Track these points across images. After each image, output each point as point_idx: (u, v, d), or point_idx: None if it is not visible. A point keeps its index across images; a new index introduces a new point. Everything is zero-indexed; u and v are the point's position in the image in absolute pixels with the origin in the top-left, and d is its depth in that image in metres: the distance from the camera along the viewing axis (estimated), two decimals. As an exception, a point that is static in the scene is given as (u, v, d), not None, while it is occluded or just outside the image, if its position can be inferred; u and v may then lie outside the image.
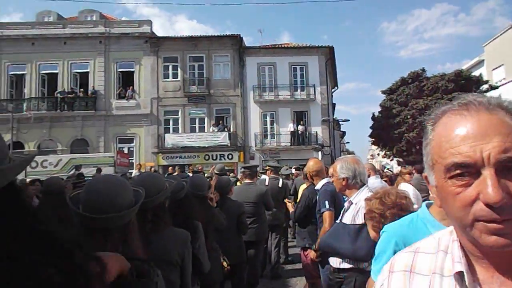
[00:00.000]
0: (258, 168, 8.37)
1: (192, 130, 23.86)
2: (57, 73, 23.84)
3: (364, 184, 2.98)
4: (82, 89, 23.78)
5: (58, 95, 23.34)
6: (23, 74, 23.94)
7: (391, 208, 1.82)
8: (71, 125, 23.08)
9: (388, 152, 35.57)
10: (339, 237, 2.86)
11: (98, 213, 1.38)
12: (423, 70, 33.21)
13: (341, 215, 2.98)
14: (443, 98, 29.74)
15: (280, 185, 6.77)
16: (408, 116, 30.38)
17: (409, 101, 31.12)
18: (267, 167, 7.59)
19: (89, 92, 23.60)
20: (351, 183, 2.95)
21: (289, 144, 23.46)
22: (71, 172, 12.99)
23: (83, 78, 24.05)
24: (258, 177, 7.88)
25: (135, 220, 1.52)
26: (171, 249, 2.04)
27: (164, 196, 2.06)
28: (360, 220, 2.79)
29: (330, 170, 3.20)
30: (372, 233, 1.94)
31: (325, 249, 3.10)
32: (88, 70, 23.90)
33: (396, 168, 23.07)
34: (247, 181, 5.49)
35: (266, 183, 6.67)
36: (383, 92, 34.87)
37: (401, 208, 1.82)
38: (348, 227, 2.81)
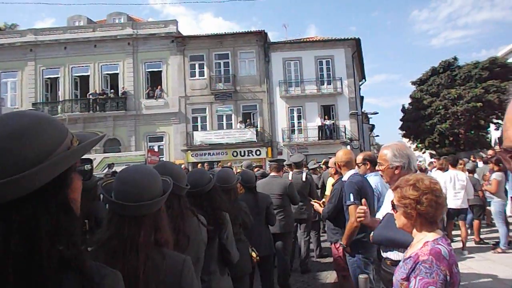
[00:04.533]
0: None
1: (220, 127, 24.08)
2: (88, 75, 24.64)
3: (416, 171, 2.78)
4: (112, 90, 24.50)
5: (90, 96, 24.14)
6: (57, 77, 24.89)
7: (427, 194, 1.79)
8: (103, 125, 23.80)
9: (419, 145, 34.68)
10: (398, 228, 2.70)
11: (131, 201, 1.43)
12: (455, 58, 32.15)
13: (390, 204, 2.83)
14: (477, 87, 28.68)
15: (303, 179, 6.71)
16: (440, 107, 29.50)
17: (440, 91, 30.23)
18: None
19: (120, 93, 24.26)
20: (404, 172, 2.69)
21: (317, 138, 23.27)
22: (105, 171, 13.42)
23: (113, 79, 24.76)
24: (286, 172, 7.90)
25: (164, 209, 1.58)
26: (202, 230, 2.19)
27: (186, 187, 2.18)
28: None
29: (378, 159, 2.94)
30: (402, 221, 1.90)
31: (384, 243, 2.82)
32: (117, 72, 24.57)
33: (429, 161, 22.43)
34: (273, 174, 5.61)
35: (290, 178, 6.65)
36: (413, 83, 34.03)
37: (436, 193, 1.79)
38: None
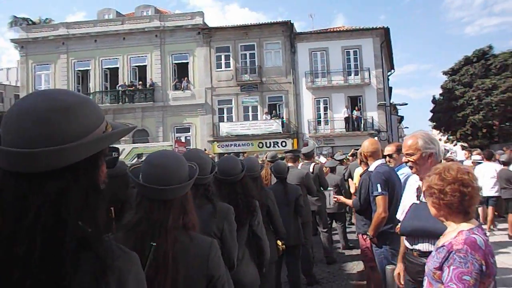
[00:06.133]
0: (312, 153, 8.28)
1: (246, 118, 24.15)
2: (117, 68, 25.20)
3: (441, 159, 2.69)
4: (140, 82, 24.96)
5: (120, 88, 24.72)
6: (87, 69, 25.60)
7: (452, 184, 1.72)
8: (132, 116, 24.34)
9: (450, 137, 33.64)
10: (431, 217, 2.35)
11: (160, 185, 1.45)
12: (490, 47, 30.88)
13: (415, 194, 2.72)
14: (514, 77, 27.44)
15: (311, 170, 6.43)
16: (473, 98, 28.46)
17: (474, 81, 29.15)
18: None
19: (147, 85, 24.70)
20: (435, 158, 2.60)
21: (344, 130, 22.96)
22: (134, 160, 13.73)
23: (142, 71, 25.22)
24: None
25: (191, 193, 1.59)
26: (210, 222, 2.09)
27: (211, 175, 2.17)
28: None
29: (405, 150, 2.73)
30: (432, 210, 1.85)
31: (414, 233, 2.67)
32: (145, 64, 25.00)
33: (460, 153, 21.70)
34: (290, 164, 5.70)
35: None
36: (445, 73, 32.98)
37: (463, 183, 1.72)
38: None
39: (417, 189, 2.70)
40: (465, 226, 1.72)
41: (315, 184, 6.44)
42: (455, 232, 1.72)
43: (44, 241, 0.77)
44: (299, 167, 6.62)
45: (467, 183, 1.72)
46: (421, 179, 2.66)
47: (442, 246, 1.72)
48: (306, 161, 6.75)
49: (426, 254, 2.46)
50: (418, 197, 2.67)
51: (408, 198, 2.83)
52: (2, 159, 0.79)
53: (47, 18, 35.38)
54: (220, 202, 2.23)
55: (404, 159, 2.77)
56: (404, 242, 2.69)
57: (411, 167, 2.70)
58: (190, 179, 1.56)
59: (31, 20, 33.25)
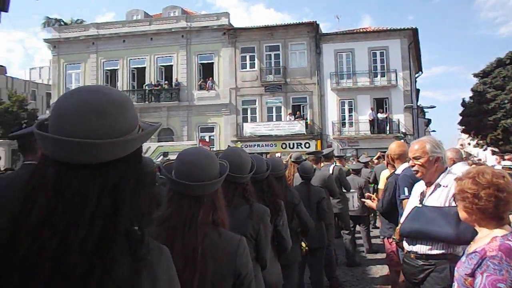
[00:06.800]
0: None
1: (269, 119, 24.15)
2: (144, 67, 25.70)
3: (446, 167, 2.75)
4: (166, 82, 25.36)
5: (146, 87, 25.20)
6: (116, 69, 26.21)
7: (486, 188, 1.67)
8: (158, 115, 24.74)
9: (480, 141, 32.58)
10: (431, 221, 2.54)
11: (192, 181, 1.49)
12: (525, 49, 29.63)
13: (418, 198, 2.74)
14: (549, 80, 26.34)
15: (330, 171, 6.38)
16: (506, 101, 27.49)
17: (506, 84, 28.14)
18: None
19: (173, 84, 25.08)
20: (441, 163, 2.68)
21: (369, 132, 22.63)
22: (159, 159, 13.98)
23: (168, 71, 25.63)
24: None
25: (221, 191, 1.61)
26: (246, 223, 2.06)
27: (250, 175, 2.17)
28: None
29: (412, 154, 2.79)
30: (463, 215, 1.81)
31: (413, 235, 2.71)
32: (172, 64, 25.39)
33: (491, 158, 21.00)
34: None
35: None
36: (476, 75, 31.97)
37: (498, 188, 1.67)
38: (443, 210, 2.53)
39: (421, 193, 2.74)
40: (499, 232, 1.67)
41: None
42: (488, 238, 1.67)
43: (101, 228, 0.80)
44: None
45: (502, 188, 1.67)
46: (426, 184, 2.72)
47: (474, 252, 1.68)
48: (326, 162, 6.71)
49: (423, 256, 2.58)
50: (420, 201, 2.70)
51: (411, 203, 2.85)
52: (60, 149, 0.80)
53: (78, 19, 36.51)
54: (257, 203, 2.20)
55: (410, 163, 2.80)
56: (403, 244, 2.74)
57: (416, 171, 2.73)
58: (220, 176, 1.58)
59: (63, 21, 34.40)
